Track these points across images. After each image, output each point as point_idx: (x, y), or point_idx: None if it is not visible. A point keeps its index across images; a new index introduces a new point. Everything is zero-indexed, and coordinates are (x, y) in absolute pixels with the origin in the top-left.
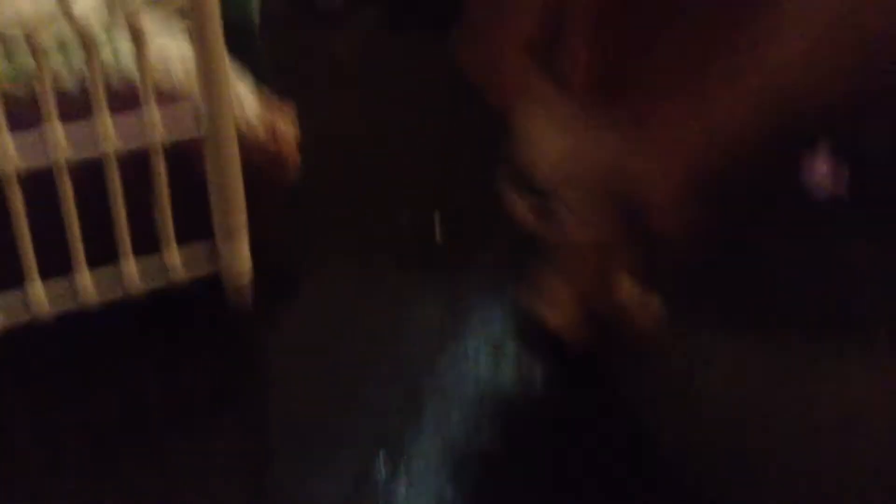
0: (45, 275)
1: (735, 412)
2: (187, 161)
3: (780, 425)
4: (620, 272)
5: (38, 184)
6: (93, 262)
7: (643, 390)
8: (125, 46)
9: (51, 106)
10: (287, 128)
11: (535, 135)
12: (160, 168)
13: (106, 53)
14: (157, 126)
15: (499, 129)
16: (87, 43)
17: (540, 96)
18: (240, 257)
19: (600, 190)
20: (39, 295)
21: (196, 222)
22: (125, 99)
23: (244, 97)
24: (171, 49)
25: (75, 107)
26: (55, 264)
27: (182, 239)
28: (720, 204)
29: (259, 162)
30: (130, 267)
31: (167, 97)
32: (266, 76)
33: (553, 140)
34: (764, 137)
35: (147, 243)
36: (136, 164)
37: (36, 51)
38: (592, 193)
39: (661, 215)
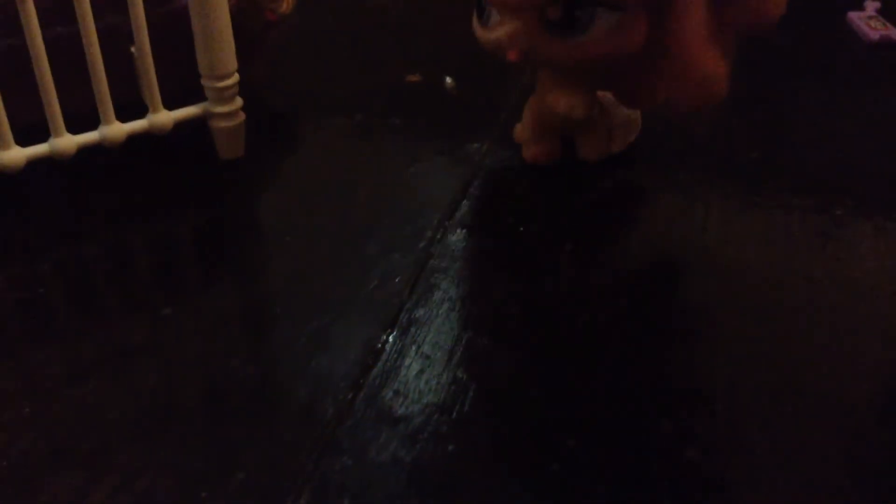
0: (12, 115)
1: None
2: None
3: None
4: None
5: None
6: (66, 108)
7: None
8: None
9: None
10: None
11: None
12: None
13: None
14: None
15: None
16: None
17: None
18: (228, 97)
19: None
20: (7, 135)
21: (178, 58)
22: None
23: None
24: None
25: None
26: (25, 104)
27: (163, 77)
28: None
29: None
30: (107, 108)
31: None
32: None
33: None
34: None
35: (124, 83)
36: None
37: None
38: None
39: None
